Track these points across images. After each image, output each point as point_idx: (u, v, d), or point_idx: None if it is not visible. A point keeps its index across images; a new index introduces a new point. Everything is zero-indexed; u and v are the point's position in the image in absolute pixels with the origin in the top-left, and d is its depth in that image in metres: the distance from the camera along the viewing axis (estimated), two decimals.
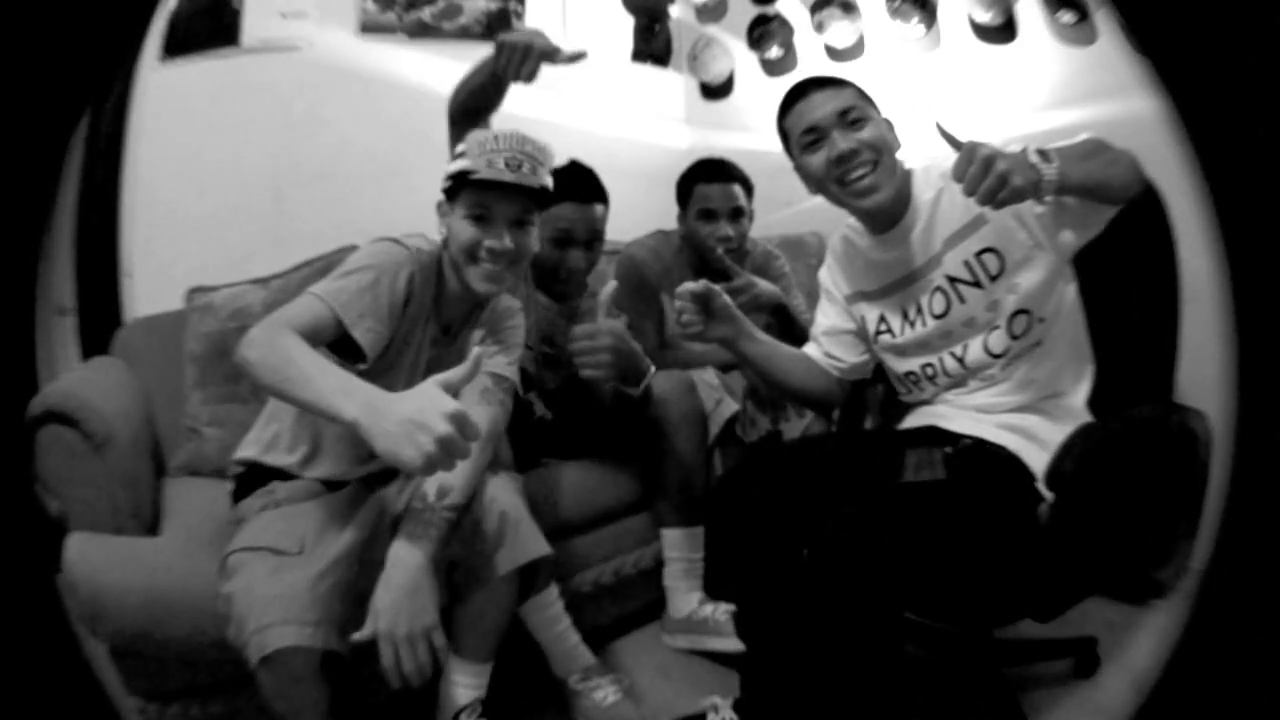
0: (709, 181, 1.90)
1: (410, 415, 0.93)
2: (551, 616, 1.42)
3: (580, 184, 1.68)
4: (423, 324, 1.33)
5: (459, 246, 1.28)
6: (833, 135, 1.28)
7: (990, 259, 1.26)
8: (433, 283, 1.33)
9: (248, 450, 1.35)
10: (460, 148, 1.30)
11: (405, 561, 1.11)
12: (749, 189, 1.94)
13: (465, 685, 1.30)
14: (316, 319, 1.15)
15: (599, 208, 1.70)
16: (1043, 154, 1.06)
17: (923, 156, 1.39)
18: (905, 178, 1.33)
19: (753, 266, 1.91)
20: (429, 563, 1.12)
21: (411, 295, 1.28)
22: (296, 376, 1.02)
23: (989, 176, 1.02)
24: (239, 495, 1.33)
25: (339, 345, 1.19)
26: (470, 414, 0.95)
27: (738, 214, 1.90)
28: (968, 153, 1.04)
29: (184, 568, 1.26)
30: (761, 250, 2.04)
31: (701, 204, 1.89)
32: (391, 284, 1.24)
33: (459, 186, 1.28)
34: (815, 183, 1.33)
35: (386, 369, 1.27)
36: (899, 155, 1.32)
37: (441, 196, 1.33)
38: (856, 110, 1.28)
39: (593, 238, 1.70)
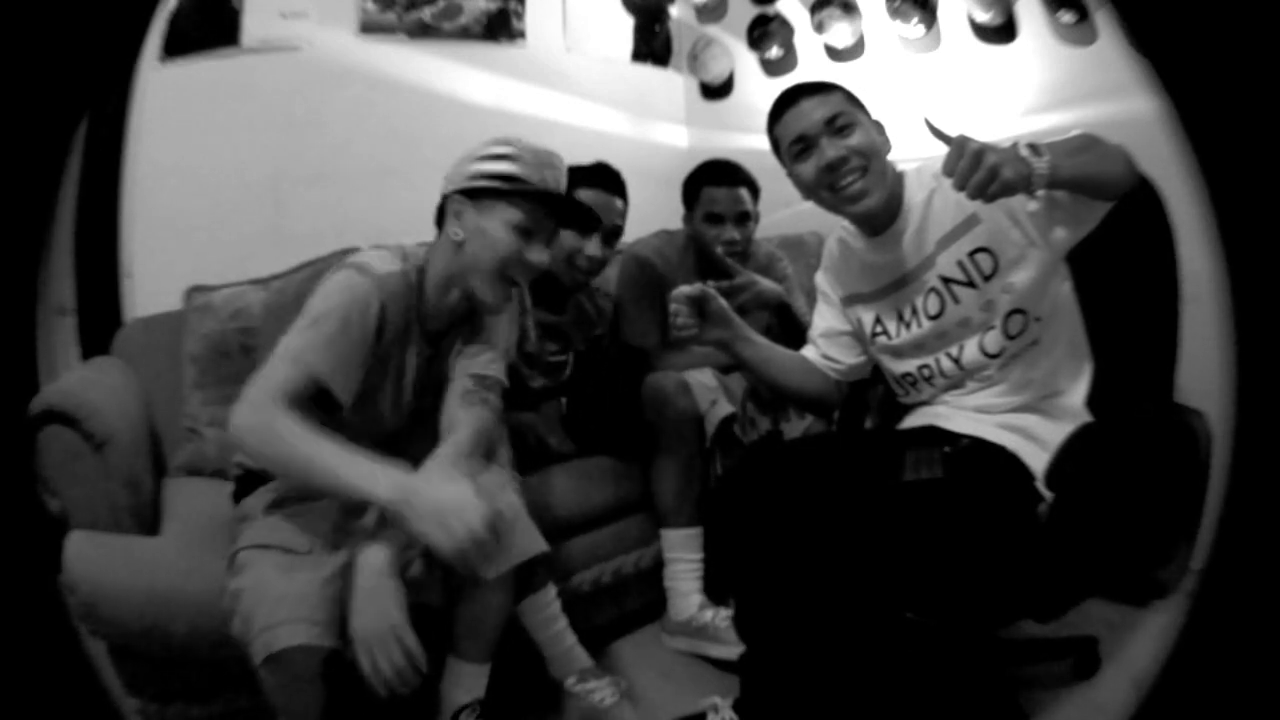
0: (716, 185, 1.88)
1: (451, 509, 1.04)
2: (548, 617, 1.42)
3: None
4: (401, 347, 1.29)
5: (493, 255, 1.23)
6: (821, 143, 1.27)
7: (984, 259, 1.25)
8: (409, 304, 1.27)
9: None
10: (501, 149, 1.24)
11: (368, 565, 1.11)
12: (755, 192, 1.92)
13: (464, 686, 1.30)
14: (296, 385, 1.14)
15: None
16: (1033, 148, 1.06)
17: (921, 157, 1.39)
18: (897, 180, 1.32)
19: (756, 267, 1.90)
20: (390, 566, 1.12)
21: (384, 325, 1.23)
22: (319, 469, 1.08)
23: (979, 170, 1.01)
24: (240, 494, 1.32)
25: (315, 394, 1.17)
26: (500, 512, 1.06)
27: (744, 218, 1.89)
28: (958, 147, 1.04)
29: (184, 567, 1.26)
30: (765, 251, 2.03)
31: (708, 207, 1.88)
32: (361, 323, 1.19)
33: (497, 190, 1.23)
34: (807, 190, 1.33)
35: (371, 392, 1.26)
36: (891, 157, 1.32)
37: (456, 195, 1.25)
38: (844, 116, 1.28)
39: None
